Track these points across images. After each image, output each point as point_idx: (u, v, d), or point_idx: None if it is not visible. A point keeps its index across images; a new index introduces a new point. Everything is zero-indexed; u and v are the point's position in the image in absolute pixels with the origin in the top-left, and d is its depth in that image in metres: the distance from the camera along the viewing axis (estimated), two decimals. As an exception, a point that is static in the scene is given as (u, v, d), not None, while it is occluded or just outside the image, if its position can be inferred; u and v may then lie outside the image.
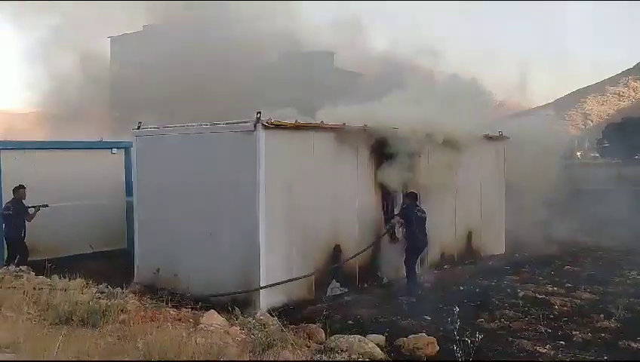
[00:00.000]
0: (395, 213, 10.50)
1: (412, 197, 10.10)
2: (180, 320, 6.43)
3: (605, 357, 6.69)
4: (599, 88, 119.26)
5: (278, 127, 8.78)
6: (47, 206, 11.30)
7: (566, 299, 9.18)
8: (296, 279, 8.93)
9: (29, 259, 10.62)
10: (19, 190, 10.98)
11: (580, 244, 15.05)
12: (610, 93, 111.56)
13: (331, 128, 9.66)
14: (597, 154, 74.17)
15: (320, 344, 6.54)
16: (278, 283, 8.70)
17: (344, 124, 9.75)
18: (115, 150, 13.71)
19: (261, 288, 8.55)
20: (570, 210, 17.83)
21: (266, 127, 8.56)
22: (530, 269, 11.79)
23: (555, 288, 10.04)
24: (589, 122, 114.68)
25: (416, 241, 9.90)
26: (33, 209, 11.12)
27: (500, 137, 13.71)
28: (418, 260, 10.36)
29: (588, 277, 11.03)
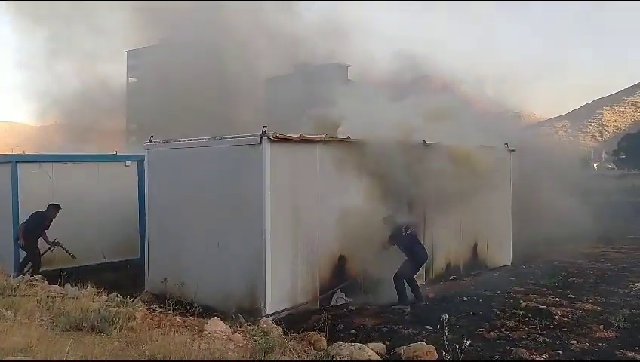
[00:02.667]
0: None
1: (390, 222, 10.15)
2: (185, 327, 6.67)
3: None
4: (616, 99, 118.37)
5: (284, 140, 9.05)
6: (74, 258, 11.70)
7: (567, 310, 9.26)
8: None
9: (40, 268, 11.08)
10: (52, 209, 11.52)
11: (588, 256, 15.10)
12: (627, 105, 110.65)
13: (336, 141, 9.91)
14: (613, 166, 73.68)
15: (321, 351, 6.74)
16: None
17: (348, 137, 10.01)
18: (128, 162, 14.09)
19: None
20: (580, 222, 17.92)
21: (271, 141, 8.84)
22: (534, 280, 11.87)
23: (558, 299, 10.13)
24: (606, 133, 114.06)
25: (416, 258, 10.07)
26: (52, 244, 11.56)
27: (507, 148, 13.84)
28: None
29: (592, 288, 11.09)
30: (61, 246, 11.55)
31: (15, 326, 5.74)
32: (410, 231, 10.17)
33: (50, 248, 11.51)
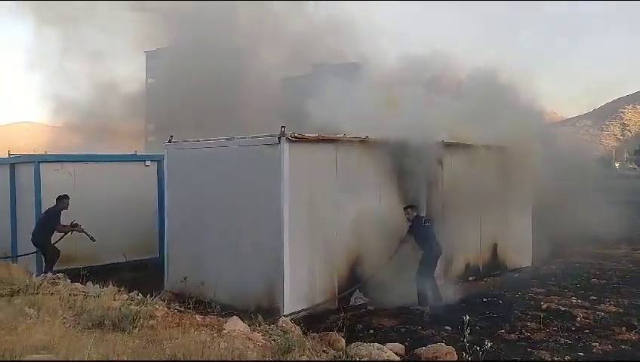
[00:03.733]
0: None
1: (414, 210, 10.16)
2: (205, 326, 6.70)
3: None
4: (637, 98, 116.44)
5: (302, 140, 9.06)
6: (93, 240, 11.59)
7: (589, 312, 9.17)
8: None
9: (56, 263, 11.20)
10: (62, 200, 11.49)
11: (610, 256, 14.89)
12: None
13: (354, 140, 9.89)
14: (635, 165, 72.45)
15: (339, 351, 6.73)
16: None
17: (367, 136, 9.98)
18: (148, 162, 14.21)
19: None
20: (601, 223, 17.65)
21: (289, 140, 8.85)
22: (556, 281, 11.74)
23: (580, 301, 10.01)
24: (628, 133, 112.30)
25: (432, 252, 9.98)
26: (69, 228, 11.52)
27: (527, 148, 13.64)
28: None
29: (614, 289, 10.95)
30: (81, 229, 11.55)
31: (38, 323, 5.82)
32: (429, 224, 10.13)
33: (70, 231, 11.51)
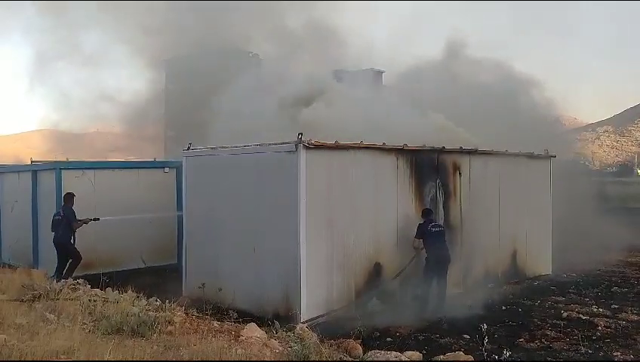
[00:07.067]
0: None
1: (424, 214, 10.20)
2: (222, 332, 6.74)
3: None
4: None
5: (319, 147, 9.07)
6: (97, 219, 11.87)
7: (611, 321, 9.03)
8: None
9: (79, 267, 11.28)
10: (71, 198, 11.64)
11: (631, 264, 14.67)
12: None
13: (371, 147, 9.88)
14: (658, 172, 71.15)
15: (356, 359, 6.72)
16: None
17: (383, 143, 9.97)
18: (167, 169, 14.34)
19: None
20: (623, 230, 17.41)
21: (306, 148, 8.86)
22: (576, 290, 11.59)
23: (601, 309, 9.86)
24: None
25: (431, 257, 9.92)
26: (82, 221, 11.67)
27: (546, 155, 13.56)
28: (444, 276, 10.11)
29: (636, 297, 10.77)
30: (87, 220, 11.68)
31: (58, 329, 5.91)
32: (436, 230, 10.06)
33: (81, 225, 11.64)
